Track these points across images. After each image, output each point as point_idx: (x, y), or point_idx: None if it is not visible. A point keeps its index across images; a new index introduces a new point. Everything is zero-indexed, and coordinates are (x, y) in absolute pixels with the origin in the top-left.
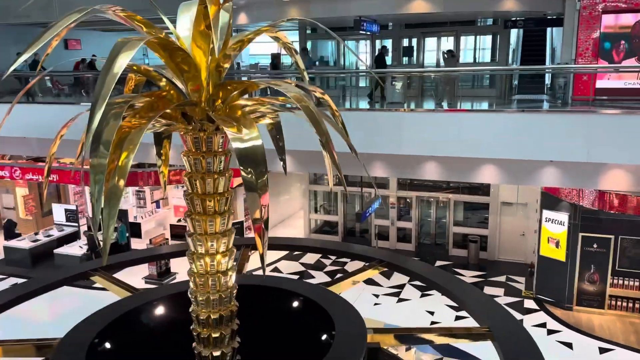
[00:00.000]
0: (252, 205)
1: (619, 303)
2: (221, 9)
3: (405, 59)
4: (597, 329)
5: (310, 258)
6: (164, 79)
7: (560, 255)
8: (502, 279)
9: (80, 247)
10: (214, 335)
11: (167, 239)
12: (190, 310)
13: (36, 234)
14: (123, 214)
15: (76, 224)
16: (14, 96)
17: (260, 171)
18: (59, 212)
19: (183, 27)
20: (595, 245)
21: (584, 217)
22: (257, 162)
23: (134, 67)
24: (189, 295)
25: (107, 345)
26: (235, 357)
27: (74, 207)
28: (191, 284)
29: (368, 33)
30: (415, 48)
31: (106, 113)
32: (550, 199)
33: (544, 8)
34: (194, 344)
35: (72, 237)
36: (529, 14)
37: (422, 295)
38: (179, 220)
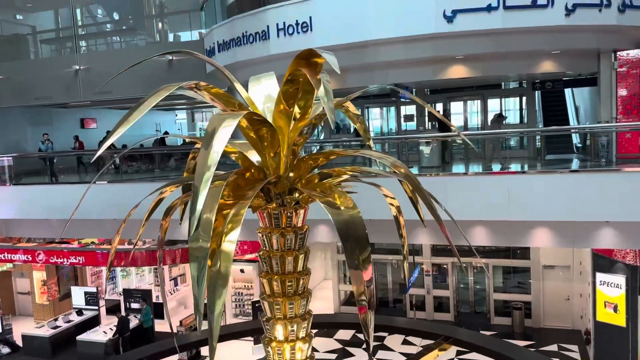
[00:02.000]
0: (356, 283)
1: None
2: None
3: (429, 124)
4: None
5: (345, 334)
6: (237, 153)
7: (619, 320)
8: (554, 348)
9: (105, 332)
10: None
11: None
12: None
13: (56, 319)
14: (147, 294)
15: (96, 307)
16: (31, 177)
17: (362, 245)
18: (78, 295)
19: (257, 101)
20: None
21: None
22: (359, 236)
23: None
24: None
25: None
26: None
27: (94, 290)
28: None
29: (393, 99)
30: (441, 112)
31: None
32: (604, 261)
33: (578, 69)
34: None
35: (93, 322)
36: (563, 75)
37: None
38: None
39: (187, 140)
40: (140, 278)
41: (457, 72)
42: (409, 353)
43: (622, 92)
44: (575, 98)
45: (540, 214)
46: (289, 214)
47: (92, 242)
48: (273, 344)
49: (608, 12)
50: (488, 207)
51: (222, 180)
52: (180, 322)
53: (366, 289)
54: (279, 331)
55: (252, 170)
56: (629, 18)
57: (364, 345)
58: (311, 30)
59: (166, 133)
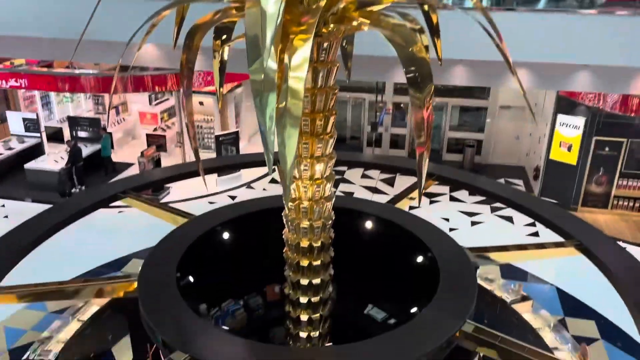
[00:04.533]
0: (417, 122)
1: (622, 203)
2: None
3: None
4: (605, 227)
5: None
6: None
7: (571, 159)
8: (501, 181)
9: (55, 161)
10: (315, 263)
11: (159, 152)
12: (285, 238)
13: None
14: (95, 122)
15: (38, 135)
16: None
17: (426, 83)
18: (15, 121)
19: None
20: (607, 149)
21: (599, 122)
22: (424, 73)
23: None
24: (287, 224)
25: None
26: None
27: (33, 116)
28: (291, 212)
29: None
30: None
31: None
32: (566, 103)
33: None
34: (287, 273)
35: (36, 150)
36: None
37: (431, 202)
38: (155, 130)
39: None
40: (76, 105)
41: None
42: (369, 186)
43: None
44: None
45: (521, 54)
46: (324, 45)
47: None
48: (298, 182)
49: None
50: (470, 45)
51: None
52: (142, 153)
53: (426, 128)
54: (306, 170)
55: None
56: None
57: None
58: None
59: None
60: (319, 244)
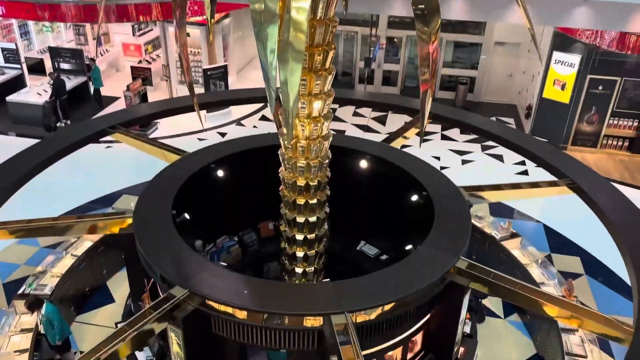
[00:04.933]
0: (422, 57)
1: (611, 142)
2: None
3: None
4: (593, 166)
5: None
6: None
7: (564, 97)
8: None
9: (39, 94)
10: (311, 201)
11: (145, 86)
12: (281, 176)
13: None
14: (78, 53)
15: (18, 66)
16: None
17: (433, 16)
18: None
19: None
20: (600, 87)
21: (594, 60)
22: (432, 6)
23: None
24: (284, 162)
25: (188, 211)
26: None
27: (12, 46)
28: (288, 150)
29: None
30: None
31: None
32: (563, 40)
33: None
34: (283, 210)
35: (18, 82)
36: None
37: (424, 141)
38: (140, 62)
39: None
40: (56, 35)
41: None
42: (361, 124)
43: None
44: None
45: None
46: None
47: None
48: (295, 120)
49: None
50: None
51: None
52: (128, 86)
53: (431, 64)
54: (304, 108)
55: None
56: None
57: None
58: None
59: None
60: (315, 182)
